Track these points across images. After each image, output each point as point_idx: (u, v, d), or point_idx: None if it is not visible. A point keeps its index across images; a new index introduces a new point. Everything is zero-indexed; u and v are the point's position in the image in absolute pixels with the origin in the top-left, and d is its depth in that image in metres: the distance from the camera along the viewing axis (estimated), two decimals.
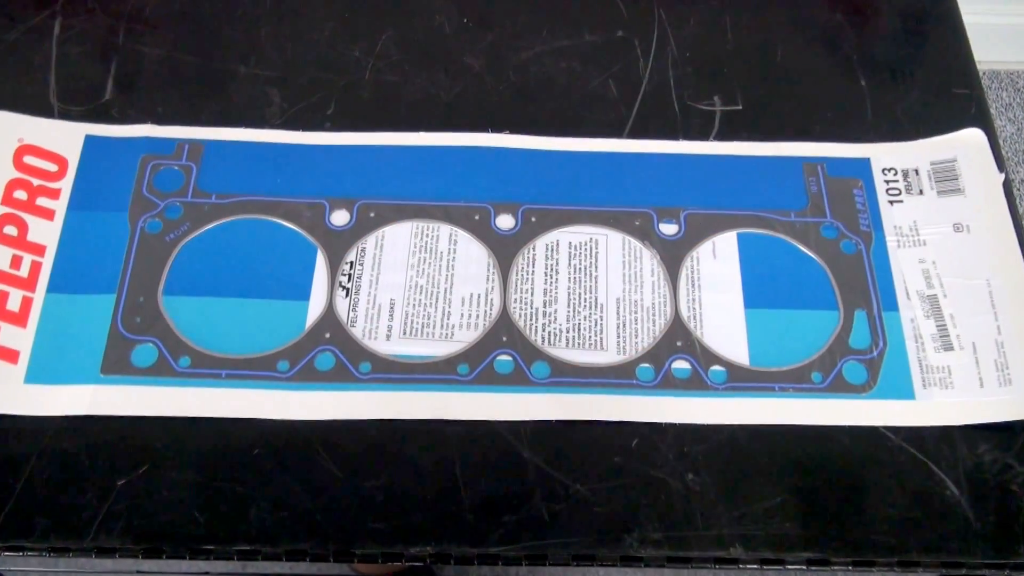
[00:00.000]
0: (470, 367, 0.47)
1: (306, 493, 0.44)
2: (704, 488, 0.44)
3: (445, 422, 0.45)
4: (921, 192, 0.53)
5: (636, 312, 0.49)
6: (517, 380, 0.47)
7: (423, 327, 0.48)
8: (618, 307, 0.49)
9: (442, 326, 0.48)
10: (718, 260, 0.51)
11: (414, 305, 0.49)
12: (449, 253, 0.51)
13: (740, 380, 0.47)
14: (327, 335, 0.48)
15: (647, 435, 0.46)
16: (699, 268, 0.50)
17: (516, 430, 0.46)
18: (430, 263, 0.50)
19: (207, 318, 0.48)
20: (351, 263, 0.50)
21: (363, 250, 0.51)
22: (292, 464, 0.44)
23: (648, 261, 0.51)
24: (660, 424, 0.46)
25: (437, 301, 0.49)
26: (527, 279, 0.50)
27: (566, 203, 0.52)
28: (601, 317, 0.49)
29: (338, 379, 0.46)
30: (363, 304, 0.49)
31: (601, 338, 0.48)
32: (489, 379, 0.47)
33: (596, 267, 0.50)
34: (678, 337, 0.48)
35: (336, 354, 0.47)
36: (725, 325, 0.49)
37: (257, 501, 0.43)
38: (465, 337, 0.48)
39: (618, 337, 0.48)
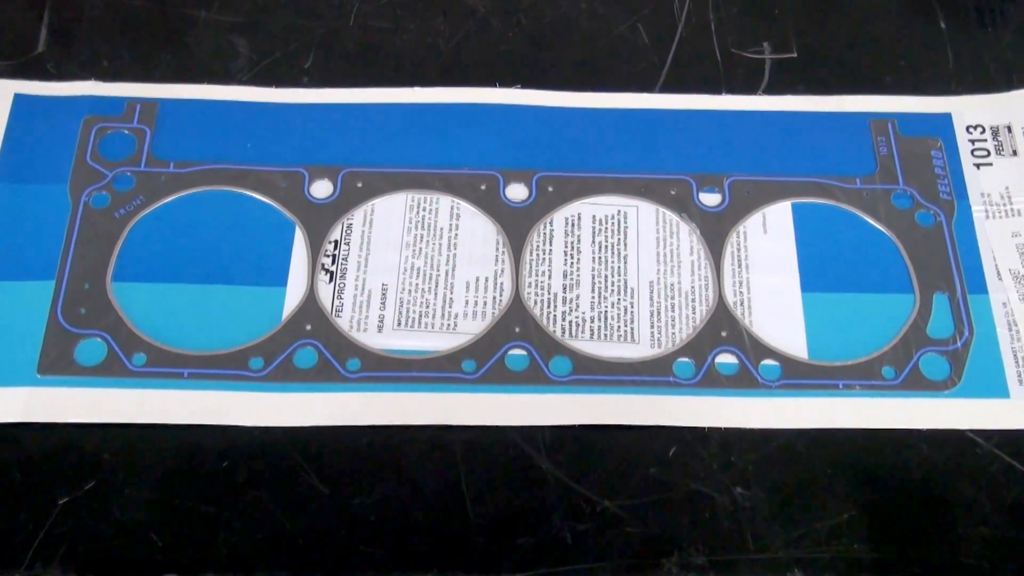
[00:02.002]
0: (477, 364, 0.47)
1: (285, 512, 0.44)
2: (755, 504, 0.44)
3: (448, 428, 0.46)
4: (1015, 152, 0.53)
5: (673, 297, 0.49)
6: (532, 378, 0.47)
7: (421, 317, 0.49)
8: (651, 292, 0.49)
9: (443, 316, 0.49)
10: (769, 235, 0.51)
11: (410, 291, 0.49)
12: (451, 230, 0.51)
13: (797, 376, 0.47)
14: (308, 327, 0.48)
15: (687, 442, 0.46)
16: (747, 245, 0.50)
17: (532, 437, 0.46)
18: (428, 241, 0.51)
19: (165, 308, 0.48)
20: (335, 242, 0.50)
21: (349, 227, 0.51)
22: (268, 478, 0.45)
23: (686, 237, 0.51)
24: (702, 429, 0.46)
25: (437, 286, 0.49)
26: (543, 259, 0.50)
27: (589, 170, 0.52)
28: (631, 304, 0.49)
29: (321, 378, 0.47)
30: (350, 290, 0.49)
31: (632, 328, 0.48)
32: (500, 377, 0.47)
33: (625, 245, 0.51)
34: (723, 326, 0.48)
35: (319, 349, 0.47)
36: (778, 312, 0.49)
37: (227, 522, 0.43)
38: (471, 328, 0.48)
39: (652, 327, 0.48)
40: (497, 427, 0.46)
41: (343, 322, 0.48)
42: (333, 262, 0.50)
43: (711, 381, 0.47)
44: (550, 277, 0.50)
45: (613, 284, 0.49)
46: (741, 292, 0.49)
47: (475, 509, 0.44)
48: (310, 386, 0.46)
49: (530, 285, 0.49)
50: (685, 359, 0.47)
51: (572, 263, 0.50)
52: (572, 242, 0.51)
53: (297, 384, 0.46)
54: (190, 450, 0.45)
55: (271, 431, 0.45)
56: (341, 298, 0.49)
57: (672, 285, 0.49)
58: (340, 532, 0.43)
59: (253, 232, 0.50)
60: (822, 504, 0.44)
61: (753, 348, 0.48)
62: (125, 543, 0.43)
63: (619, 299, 0.49)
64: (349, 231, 0.51)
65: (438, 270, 0.50)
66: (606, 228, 0.51)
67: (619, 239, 0.51)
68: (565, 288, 0.49)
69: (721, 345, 0.48)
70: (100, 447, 0.45)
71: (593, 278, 0.50)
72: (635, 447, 0.46)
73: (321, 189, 0.52)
